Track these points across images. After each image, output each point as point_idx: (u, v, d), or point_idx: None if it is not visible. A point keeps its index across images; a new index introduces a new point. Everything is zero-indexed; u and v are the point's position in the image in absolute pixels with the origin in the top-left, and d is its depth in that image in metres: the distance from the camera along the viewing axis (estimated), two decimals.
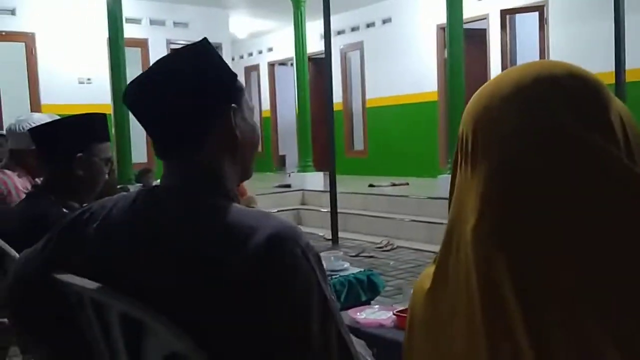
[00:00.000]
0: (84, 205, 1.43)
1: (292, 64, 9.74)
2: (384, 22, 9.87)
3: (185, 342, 0.87)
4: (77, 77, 8.73)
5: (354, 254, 5.76)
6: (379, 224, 6.86)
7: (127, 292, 0.95)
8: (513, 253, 0.64)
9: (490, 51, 8.44)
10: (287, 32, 9.71)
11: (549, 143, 0.66)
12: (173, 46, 9.27)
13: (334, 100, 6.45)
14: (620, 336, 0.59)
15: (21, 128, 2.36)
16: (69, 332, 1.09)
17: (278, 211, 7.77)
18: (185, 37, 9.04)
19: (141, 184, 5.77)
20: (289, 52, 9.66)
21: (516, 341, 0.62)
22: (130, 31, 8.27)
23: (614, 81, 4.57)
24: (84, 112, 1.87)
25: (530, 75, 0.70)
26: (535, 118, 0.67)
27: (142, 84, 1.05)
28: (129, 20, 8.41)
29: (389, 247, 6.18)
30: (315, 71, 10.31)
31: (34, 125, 2.00)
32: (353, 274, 2.57)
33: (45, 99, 8.35)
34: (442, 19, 6.90)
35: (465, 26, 7.33)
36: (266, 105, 12.45)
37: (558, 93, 0.69)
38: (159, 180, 1.12)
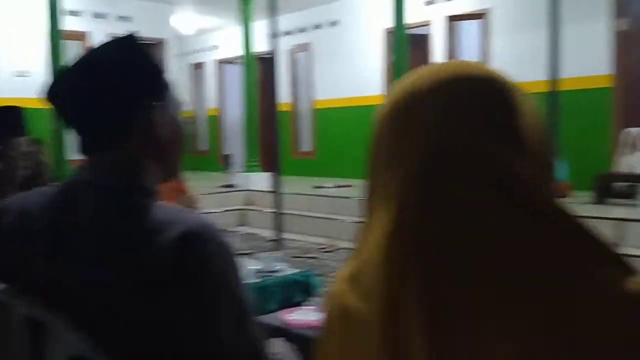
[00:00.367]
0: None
1: (240, 63, 9.66)
2: (332, 24, 9.91)
3: (88, 344, 0.84)
4: (15, 70, 8.44)
5: (295, 255, 5.75)
6: (324, 225, 6.88)
7: (41, 285, 0.93)
8: (425, 262, 0.63)
9: (434, 57, 8.59)
10: (236, 30, 9.63)
11: (455, 155, 0.65)
12: None
13: (283, 101, 6.43)
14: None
15: None
16: None
17: (222, 211, 7.70)
18: (128, 32, 8.84)
19: None
20: (237, 50, 9.58)
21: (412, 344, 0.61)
22: (71, 24, 8.03)
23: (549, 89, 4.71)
24: (22, 105, 1.79)
25: (446, 78, 0.69)
26: (448, 126, 0.66)
27: (63, 77, 1.02)
28: (70, 13, 8.17)
29: (332, 249, 6.20)
30: (263, 71, 10.26)
31: None
32: (289, 274, 2.55)
33: None
34: (390, 22, 6.97)
35: (411, 31, 7.43)
36: (213, 103, 12.31)
37: (474, 98, 0.67)
38: None
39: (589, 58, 6.98)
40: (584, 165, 6.40)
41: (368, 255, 0.70)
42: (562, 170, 6.22)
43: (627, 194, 5.81)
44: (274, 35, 6.26)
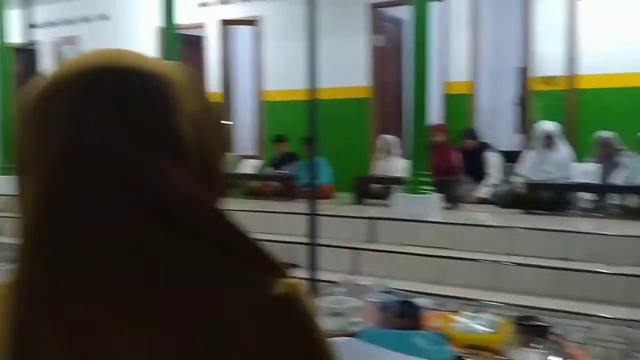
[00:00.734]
0: None
1: None
2: (102, 17, 9.38)
3: None
4: None
5: None
6: None
7: None
8: (56, 276, 0.56)
9: (208, 59, 8.58)
10: None
11: (87, 157, 0.57)
12: None
13: None
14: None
15: None
16: None
17: None
18: None
19: None
20: None
21: None
22: None
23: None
24: None
25: (87, 68, 0.61)
26: (81, 124, 0.58)
27: None
28: None
29: None
30: (23, 64, 9.30)
31: None
32: None
33: None
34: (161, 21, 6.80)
35: (185, 32, 7.30)
36: None
37: (115, 93, 0.60)
38: None
39: (352, 70, 7.57)
40: (345, 169, 6.88)
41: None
42: (325, 174, 6.62)
43: (382, 195, 6.37)
44: (31, 25, 5.71)
